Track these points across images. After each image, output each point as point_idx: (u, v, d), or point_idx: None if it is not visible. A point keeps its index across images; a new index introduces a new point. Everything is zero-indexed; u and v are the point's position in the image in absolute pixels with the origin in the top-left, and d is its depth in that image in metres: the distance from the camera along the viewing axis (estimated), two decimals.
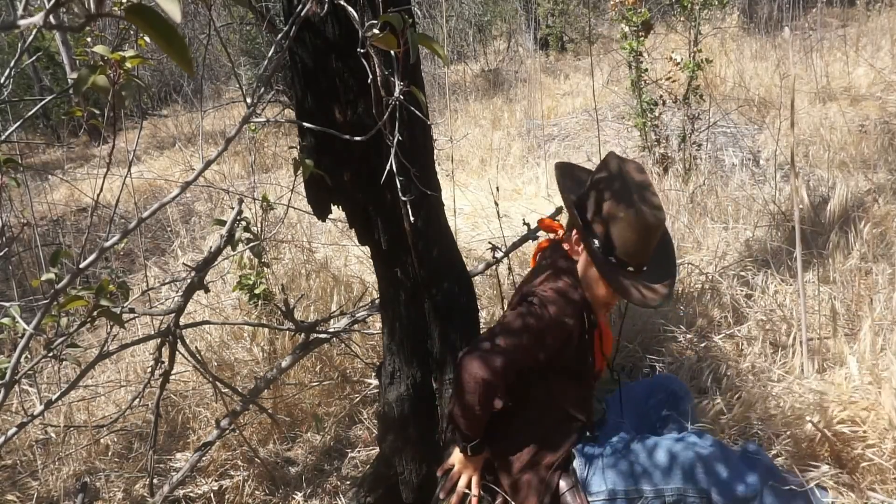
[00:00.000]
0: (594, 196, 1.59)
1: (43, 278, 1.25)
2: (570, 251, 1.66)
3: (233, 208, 1.89)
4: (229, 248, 1.84)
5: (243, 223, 1.86)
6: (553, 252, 1.70)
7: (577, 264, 1.64)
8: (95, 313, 1.29)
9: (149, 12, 0.51)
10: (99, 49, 1.00)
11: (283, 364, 2.17)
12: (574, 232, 1.64)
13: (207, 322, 2.32)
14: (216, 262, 1.89)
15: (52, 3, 0.61)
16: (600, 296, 1.62)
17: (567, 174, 1.73)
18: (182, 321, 1.92)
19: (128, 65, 1.02)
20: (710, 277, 2.92)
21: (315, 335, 2.19)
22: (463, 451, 1.60)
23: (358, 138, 1.36)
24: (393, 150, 1.30)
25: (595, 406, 1.81)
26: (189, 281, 1.83)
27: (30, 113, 1.98)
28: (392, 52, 1.17)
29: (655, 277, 1.60)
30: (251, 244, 1.84)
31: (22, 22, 0.58)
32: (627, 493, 1.56)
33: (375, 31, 1.15)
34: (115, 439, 2.44)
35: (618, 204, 1.54)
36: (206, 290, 1.92)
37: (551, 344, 1.54)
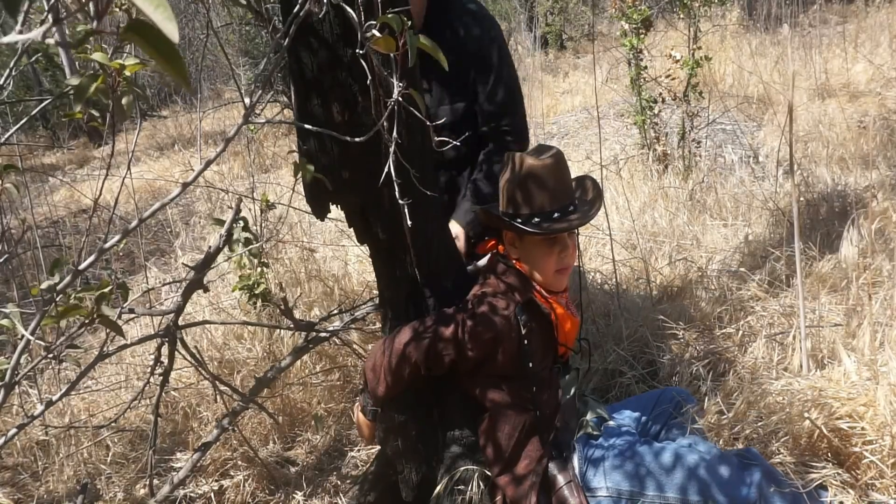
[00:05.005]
0: (502, 193, 1.66)
1: (42, 286, 1.25)
2: (508, 251, 1.70)
3: (231, 208, 1.90)
4: (228, 248, 1.85)
5: (242, 223, 1.86)
6: (496, 260, 1.73)
7: (517, 261, 1.68)
8: (95, 317, 1.29)
9: (147, 30, 0.51)
10: (97, 56, 1.00)
11: (283, 363, 2.17)
12: (503, 233, 1.70)
13: (207, 322, 2.32)
14: (216, 263, 1.89)
15: (49, 23, 0.62)
16: (547, 264, 1.64)
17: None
18: (182, 321, 1.93)
19: (127, 72, 1.02)
20: (710, 274, 2.93)
21: (314, 334, 2.19)
22: (363, 412, 1.72)
23: (357, 139, 1.37)
24: (392, 152, 1.30)
25: (591, 402, 1.82)
26: (188, 281, 1.83)
27: (31, 113, 1.98)
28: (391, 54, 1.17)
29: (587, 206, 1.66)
30: (250, 246, 1.84)
31: (21, 37, 0.59)
32: (632, 494, 1.57)
33: (375, 32, 1.15)
34: (116, 440, 2.45)
35: (512, 176, 1.60)
36: (206, 290, 1.93)
37: (473, 352, 1.58)
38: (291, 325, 2.12)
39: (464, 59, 1.95)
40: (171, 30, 0.51)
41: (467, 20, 1.97)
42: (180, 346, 1.91)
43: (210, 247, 1.83)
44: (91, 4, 0.61)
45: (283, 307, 2.07)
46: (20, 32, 0.59)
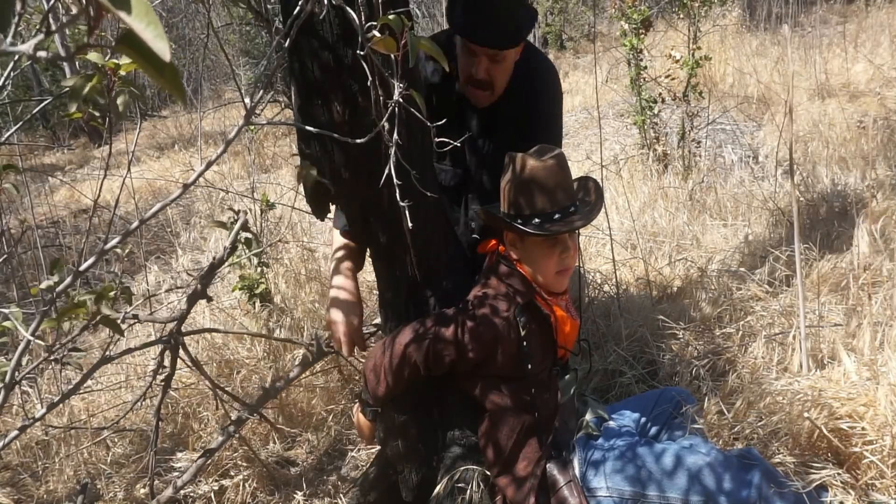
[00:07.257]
0: (503, 194, 1.65)
1: (42, 286, 1.25)
2: (509, 252, 1.69)
3: (231, 209, 1.90)
4: (244, 257, 1.85)
5: (242, 225, 1.86)
6: (497, 261, 1.72)
7: (518, 262, 1.68)
8: (98, 319, 1.29)
9: (140, 43, 0.51)
10: (93, 56, 1.00)
11: (291, 375, 2.17)
12: (504, 234, 1.70)
13: (209, 330, 2.32)
14: (218, 272, 1.89)
15: (40, 35, 0.63)
16: (548, 265, 1.64)
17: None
18: (184, 327, 1.93)
19: (122, 72, 1.02)
20: (710, 274, 2.93)
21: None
22: (363, 413, 1.72)
23: (358, 140, 1.37)
24: (392, 153, 1.30)
25: (591, 402, 1.82)
26: (192, 290, 1.83)
27: (31, 113, 1.98)
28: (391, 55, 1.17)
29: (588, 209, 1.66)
30: (254, 252, 1.84)
31: (17, 48, 0.60)
32: (633, 495, 1.57)
33: (375, 33, 1.15)
34: (116, 440, 2.45)
35: (514, 177, 1.60)
36: (209, 300, 1.93)
37: (474, 353, 1.58)
38: (293, 338, 2.12)
39: (531, 121, 1.92)
40: (161, 48, 0.51)
41: (534, 83, 1.93)
42: (182, 353, 1.91)
43: (214, 256, 1.83)
44: (84, 16, 0.62)
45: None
46: (12, 44, 0.60)
